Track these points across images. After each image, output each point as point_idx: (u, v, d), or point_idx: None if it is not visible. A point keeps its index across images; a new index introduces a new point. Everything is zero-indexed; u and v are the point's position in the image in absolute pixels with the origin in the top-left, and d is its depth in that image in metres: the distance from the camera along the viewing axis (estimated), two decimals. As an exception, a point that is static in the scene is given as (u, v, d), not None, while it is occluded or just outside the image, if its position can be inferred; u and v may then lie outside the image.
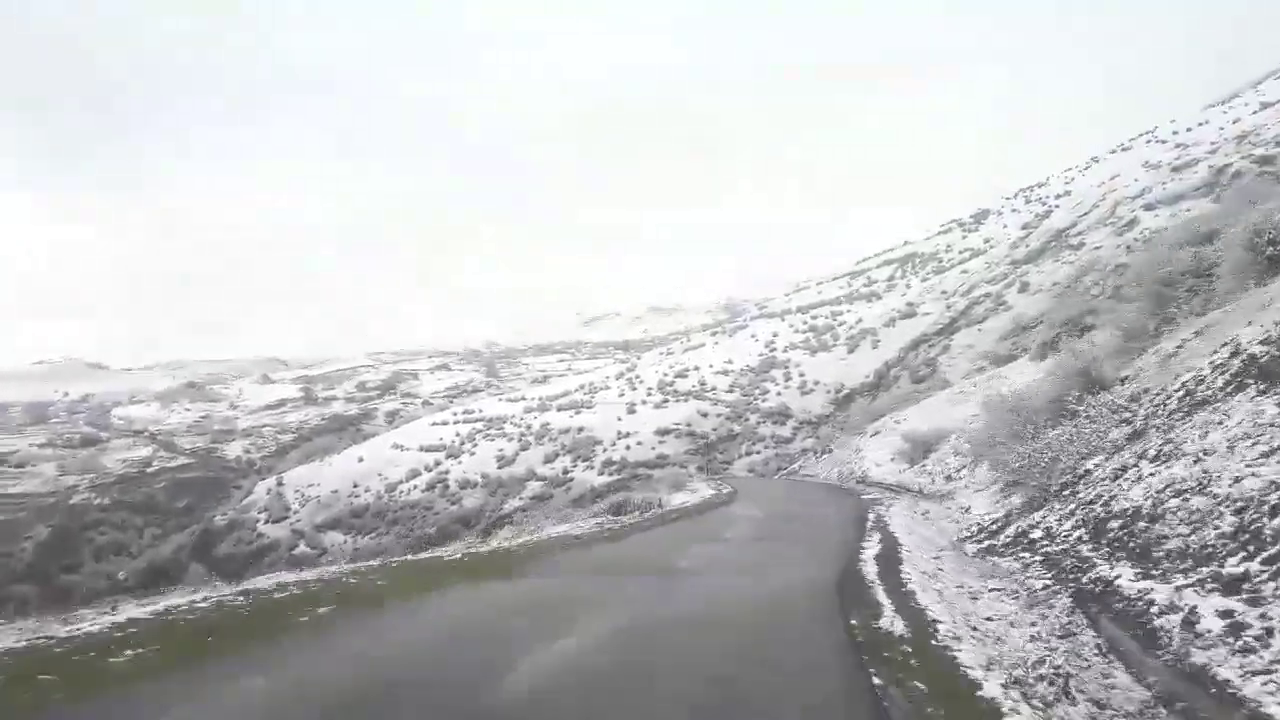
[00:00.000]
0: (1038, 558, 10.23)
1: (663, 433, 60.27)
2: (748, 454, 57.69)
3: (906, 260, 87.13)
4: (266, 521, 66.79)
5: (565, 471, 57.81)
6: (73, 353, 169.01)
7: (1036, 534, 11.06)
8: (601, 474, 56.51)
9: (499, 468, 61.23)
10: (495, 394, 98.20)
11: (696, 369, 71.75)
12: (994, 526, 13.63)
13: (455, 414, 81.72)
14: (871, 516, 17.33)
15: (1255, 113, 75.57)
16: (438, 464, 65.80)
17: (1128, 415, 12.99)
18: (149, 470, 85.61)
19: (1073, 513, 10.54)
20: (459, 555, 16.09)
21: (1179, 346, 15.02)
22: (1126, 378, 16.33)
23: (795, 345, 71.30)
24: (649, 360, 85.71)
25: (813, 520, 18.15)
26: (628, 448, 59.03)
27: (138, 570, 67.13)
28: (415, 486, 63.47)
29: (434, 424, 79.62)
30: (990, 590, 9.39)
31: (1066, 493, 11.72)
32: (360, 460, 73.10)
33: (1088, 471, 11.73)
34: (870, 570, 10.55)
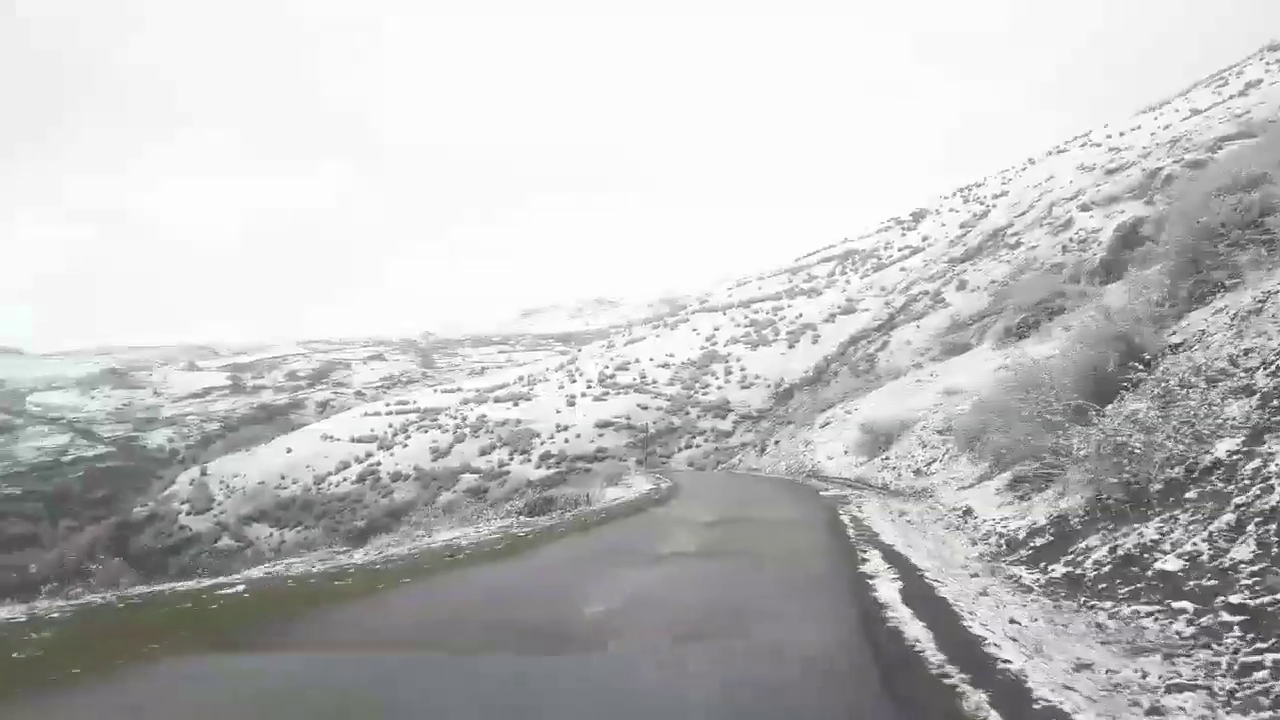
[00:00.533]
0: (1212, 610, 5.64)
1: (602, 425, 59.47)
2: (687, 447, 57.18)
3: (846, 257, 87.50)
4: (189, 513, 64.39)
5: (501, 465, 56.68)
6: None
7: (1168, 563, 6.57)
8: (539, 467, 55.51)
9: (433, 460, 59.80)
10: (431, 385, 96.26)
11: (637, 361, 71.06)
12: (1033, 541, 9.59)
13: (388, 405, 79.83)
14: (846, 519, 13.98)
15: (1185, 119, 77.10)
16: (369, 455, 64.11)
17: (1242, 381, 8.98)
18: (65, 459, 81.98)
19: (1236, 525, 6.38)
20: (239, 589, 9.93)
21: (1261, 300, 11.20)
22: (1180, 344, 12.33)
23: (736, 339, 71.02)
24: (589, 353, 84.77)
25: (774, 525, 14.44)
26: (566, 440, 58.11)
27: (50, 563, 64.03)
28: (345, 479, 61.74)
29: (366, 415, 77.67)
30: (1169, 687, 4.79)
31: (1189, 495, 7.51)
32: (289, 451, 70.96)
33: (1219, 462, 7.64)
34: (915, 630, 5.98)
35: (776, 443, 45.40)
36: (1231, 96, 74.85)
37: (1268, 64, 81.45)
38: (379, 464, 62.04)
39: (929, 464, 21.22)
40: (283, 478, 65.33)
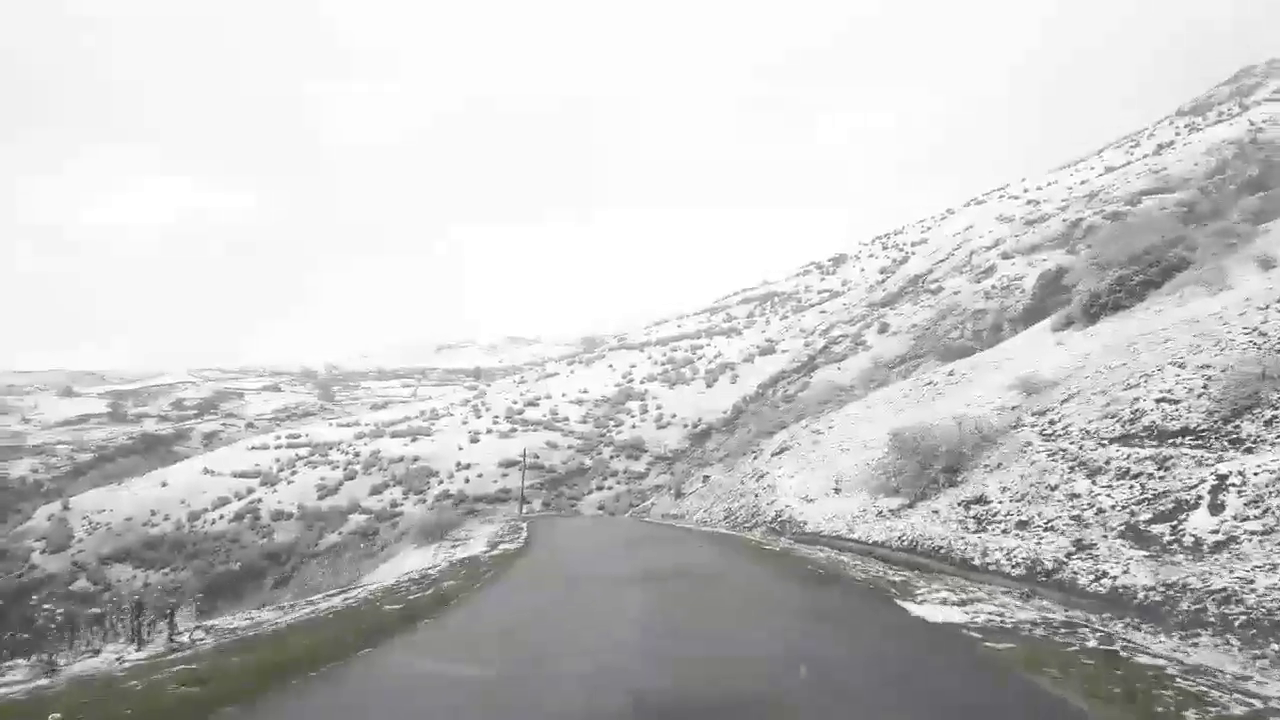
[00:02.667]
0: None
1: (507, 464, 55.58)
2: (599, 489, 53.77)
3: (766, 299, 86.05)
4: (44, 552, 57.76)
5: (394, 504, 52.26)
6: None
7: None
8: (433, 508, 51.23)
9: (319, 498, 54.99)
10: (329, 419, 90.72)
11: (549, 397, 67.53)
12: None
13: (278, 438, 74.34)
14: None
15: (1100, 175, 78.42)
16: (250, 492, 58.80)
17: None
18: (-95, 490, 73.87)
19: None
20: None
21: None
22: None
23: (654, 377, 68.22)
24: (500, 388, 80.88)
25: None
26: (467, 480, 54.05)
27: (-128, 608, 56.51)
28: (222, 516, 56.33)
29: (252, 448, 72.06)
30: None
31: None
32: (164, 485, 64.98)
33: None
34: None
35: (705, 478, 38.60)
36: (1145, 155, 76.32)
37: (1177, 128, 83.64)
38: (260, 501, 56.82)
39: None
40: (153, 514, 59.43)
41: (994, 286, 57.25)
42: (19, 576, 55.07)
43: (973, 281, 59.78)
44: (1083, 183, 76.90)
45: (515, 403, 67.40)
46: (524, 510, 45.58)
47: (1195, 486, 9.77)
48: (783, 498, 22.10)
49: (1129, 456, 11.81)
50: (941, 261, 70.41)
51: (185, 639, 10.40)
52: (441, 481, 54.35)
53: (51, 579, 53.92)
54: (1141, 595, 8.23)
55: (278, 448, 69.87)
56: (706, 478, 37.47)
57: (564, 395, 67.81)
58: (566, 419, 62.72)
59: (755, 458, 32.20)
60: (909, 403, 25.58)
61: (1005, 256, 61.53)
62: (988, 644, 6.76)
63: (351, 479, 57.15)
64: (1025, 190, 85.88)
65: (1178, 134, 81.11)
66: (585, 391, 67.69)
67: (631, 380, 68.48)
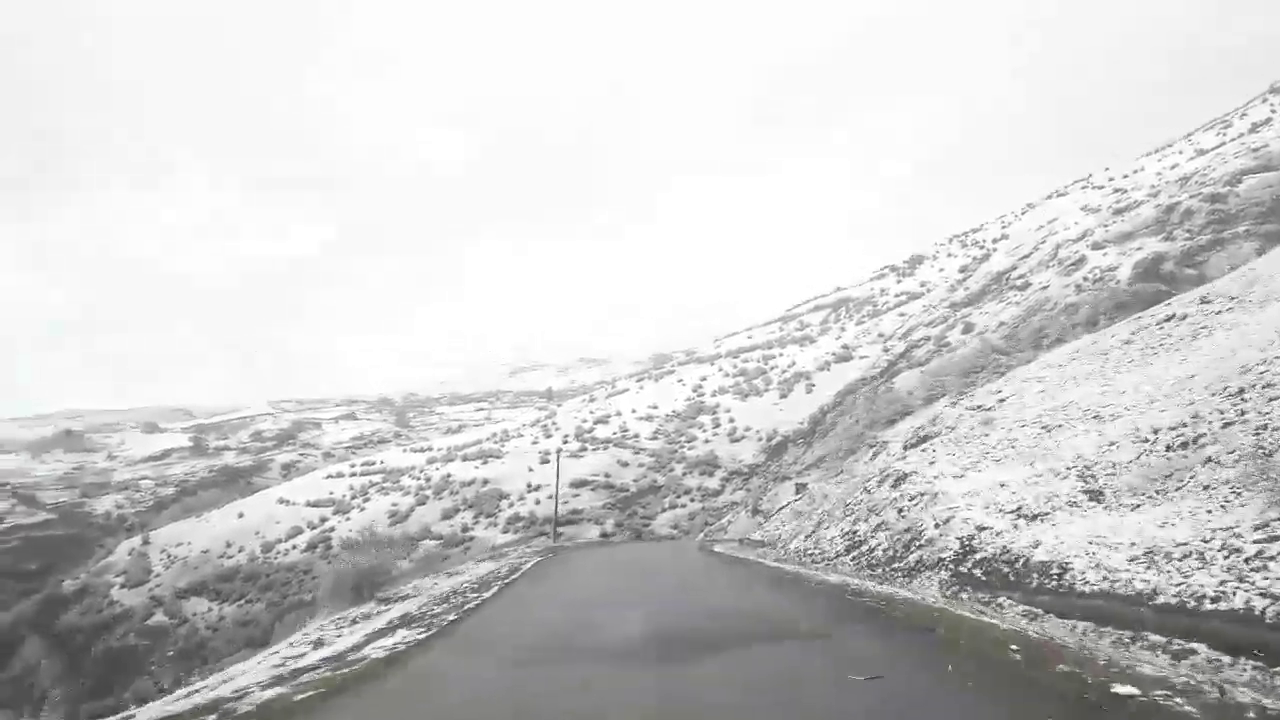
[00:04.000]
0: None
1: (578, 484, 53.98)
2: (671, 508, 51.71)
3: (839, 305, 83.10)
4: (123, 586, 58.24)
5: (465, 529, 51.04)
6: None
7: None
8: (506, 531, 49.95)
9: (390, 525, 54.02)
10: (403, 445, 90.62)
11: (618, 414, 65.82)
12: None
13: (353, 466, 74.20)
14: None
15: (1192, 159, 73.78)
16: (323, 521, 58.32)
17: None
18: (0, 528, 75.70)
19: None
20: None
21: None
22: None
23: (725, 390, 65.96)
24: (570, 407, 79.54)
25: None
26: (537, 501, 52.56)
27: (-35, 646, 57.52)
28: (295, 546, 55.87)
29: (328, 476, 72.01)
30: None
31: None
32: (240, 516, 65.16)
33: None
34: None
35: (800, 488, 33.90)
36: (1240, 135, 71.67)
37: (1273, 106, 78.51)
38: (332, 530, 56.24)
39: None
40: (228, 546, 59.43)
41: (1085, 279, 53.62)
42: (99, 612, 55.48)
43: (1062, 275, 56.19)
44: (1173, 167, 72.53)
45: (585, 421, 65.88)
46: (556, 537, 43.18)
47: None
48: (963, 512, 13.01)
49: None
50: (1025, 257, 66.78)
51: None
52: (512, 504, 52.98)
53: (130, 614, 54.18)
54: None
55: (352, 475, 69.63)
56: (802, 487, 31.28)
57: (633, 412, 66.04)
58: (637, 436, 60.91)
59: (876, 454, 26.47)
60: (1148, 348, 17.63)
61: (1096, 247, 57.77)
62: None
63: (422, 504, 56.20)
64: (1110, 179, 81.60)
65: (1274, 111, 76.03)
66: (655, 407, 65.81)
67: (702, 394, 66.37)
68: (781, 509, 28.77)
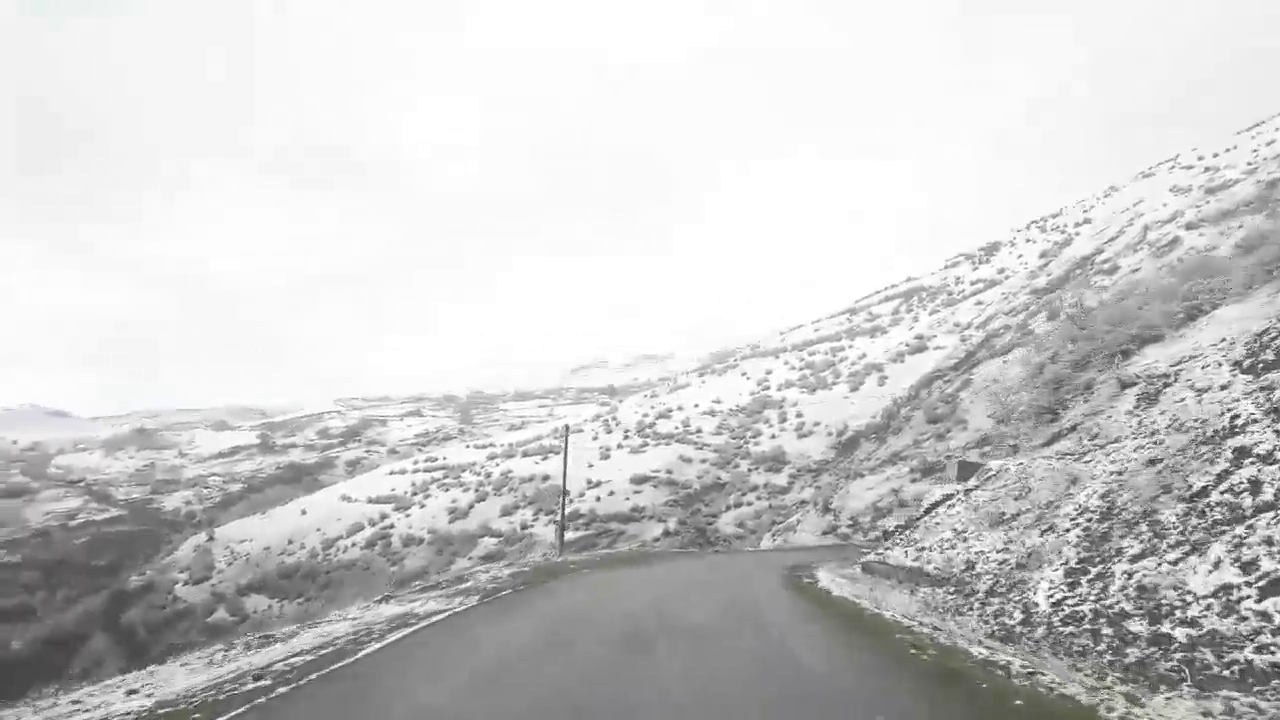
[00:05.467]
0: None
1: (639, 481, 52.24)
2: (736, 506, 49.64)
3: (911, 294, 79.87)
4: (186, 583, 58.35)
5: (524, 526, 49.74)
6: (39, 400, 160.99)
7: None
8: (566, 528, 48.39)
9: (450, 522, 53.07)
10: (467, 441, 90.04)
11: (680, 409, 63.91)
12: None
13: (416, 462, 73.72)
14: None
15: (1292, 134, 69.04)
16: (384, 518, 57.59)
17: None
18: (73, 524, 76.97)
19: None
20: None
21: None
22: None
23: (791, 383, 63.56)
24: (631, 403, 77.89)
25: None
26: (598, 498, 50.96)
27: (36, 639, 58.24)
28: (355, 544, 55.23)
29: (391, 473, 71.61)
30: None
31: None
32: (303, 513, 65.01)
33: None
34: None
35: (988, 476, 26.28)
36: (1346, 106, 66.73)
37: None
38: (392, 526, 55.50)
39: None
40: (290, 543, 59.19)
41: (1179, 260, 50.06)
42: (162, 609, 55.56)
43: (1154, 257, 52.60)
44: (1269, 143, 68.03)
45: (646, 416, 64.13)
46: (562, 548, 32.95)
47: None
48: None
49: None
50: (1112, 240, 63.08)
51: None
52: (572, 500, 51.47)
53: (192, 611, 54.14)
54: None
55: (415, 472, 69.03)
56: (989, 473, 19.22)
57: (696, 406, 64.07)
58: (699, 431, 58.93)
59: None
60: None
61: (1190, 227, 54.00)
62: None
63: (482, 500, 55.09)
64: (1200, 158, 77.15)
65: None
66: (718, 402, 63.74)
67: (768, 388, 64.05)
68: (938, 507, 20.67)
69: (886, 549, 19.62)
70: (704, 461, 54.25)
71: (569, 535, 46.79)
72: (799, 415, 57.18)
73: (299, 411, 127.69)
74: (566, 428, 34.56)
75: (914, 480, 42.45)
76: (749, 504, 49.29)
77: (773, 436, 55.66)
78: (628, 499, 50.18)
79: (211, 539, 64.02)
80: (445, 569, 49.34)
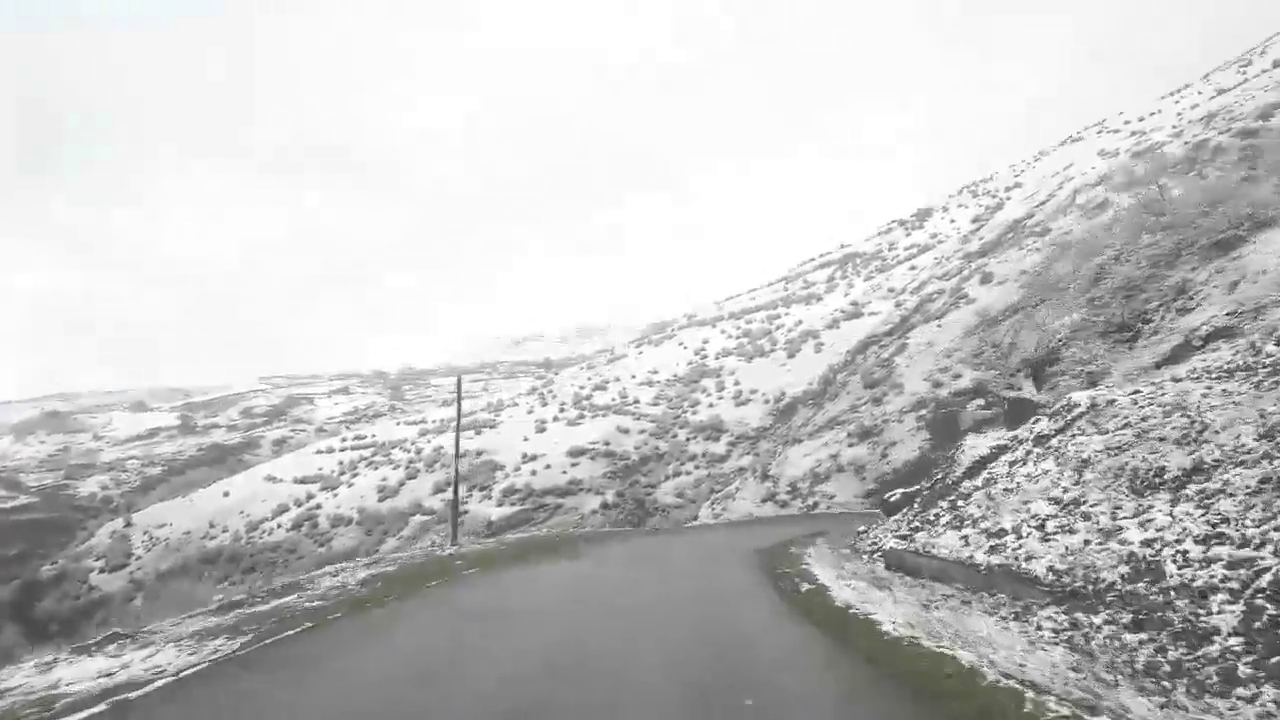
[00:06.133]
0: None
1: (576, 453, 51.07)
2: (675, 475, 48.86)
3: (846, 261, 79.80)
4: (103, 570, 55.63)
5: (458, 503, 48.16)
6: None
7: None
8: (501, 504, 47.13)
9: (379, 500, 51.32)
10: (398, 418, 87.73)
11: (617, 380, 62.83)
12: None
13: (344, 440, 71.36)
14: None
15: (1213, 98, 70.28)
16: (310, 498, 55.52)
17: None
18: (-22, 513, 72.97)
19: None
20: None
21: None
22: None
23: (729, 352, 62.91)
24: (567, 375, 76.55)
25: None
26: (534, 472, 49.68)
27: (-61, 635, 54.99)
28: (280, 525, 53.13)
29: (318, 452, 69.20)
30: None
31: None
32: (225, 495, 62.39)
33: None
34: None
35: (1032, 452, 22.70)
36: (1264, 70, 68.07)
37: (1295, 40, 74.95)
38: (319, 507, 53.49)
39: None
40: (211, 526, 56.74)
41: (1112, 221, 50.47)
42: (77, 598, 52.90)
43: (1085, 218, 53.01)
44: (1193, 107, 69.11)
45: (582, 388, 62.91)
46: (456, 535, 28.84)
47: None
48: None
49: None
50: (1042, 204, 63.58)
51: None
52: (507, 475, 50.12)
53: (109, 599, 51.59)
54: None
55: (343, 450, 66.81)
56: (1075, 410, 15.11)
57: (633, 377, 63.05)
58: (637, 401, 57.96)
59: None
60: None
61: (1120, 189, 54.52)
62: None
63: (414, 478, 53.39)
64: (1126, 122, 78.28)
65: (1298, 46, 72.30)
66: (655, 372, 62.80)
67: (705, 357, 63.33)
68: (991, 465, 15.79)
69: (916, 529, 14.36)
70: (642, 432, 53.33)
71: (502, 511, 45.56)
72: (736, 383, 56.59)
73: (222, 391, 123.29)
74: (459, 380, 31.52)
75: (851, 445, 42.14)
76: (688, 473, 48.55)
77: (710, 405, 54.96)
78: (564, 472, 49.01)
79: (129, 524, 61.12)
80: (375, 549, 47.73)
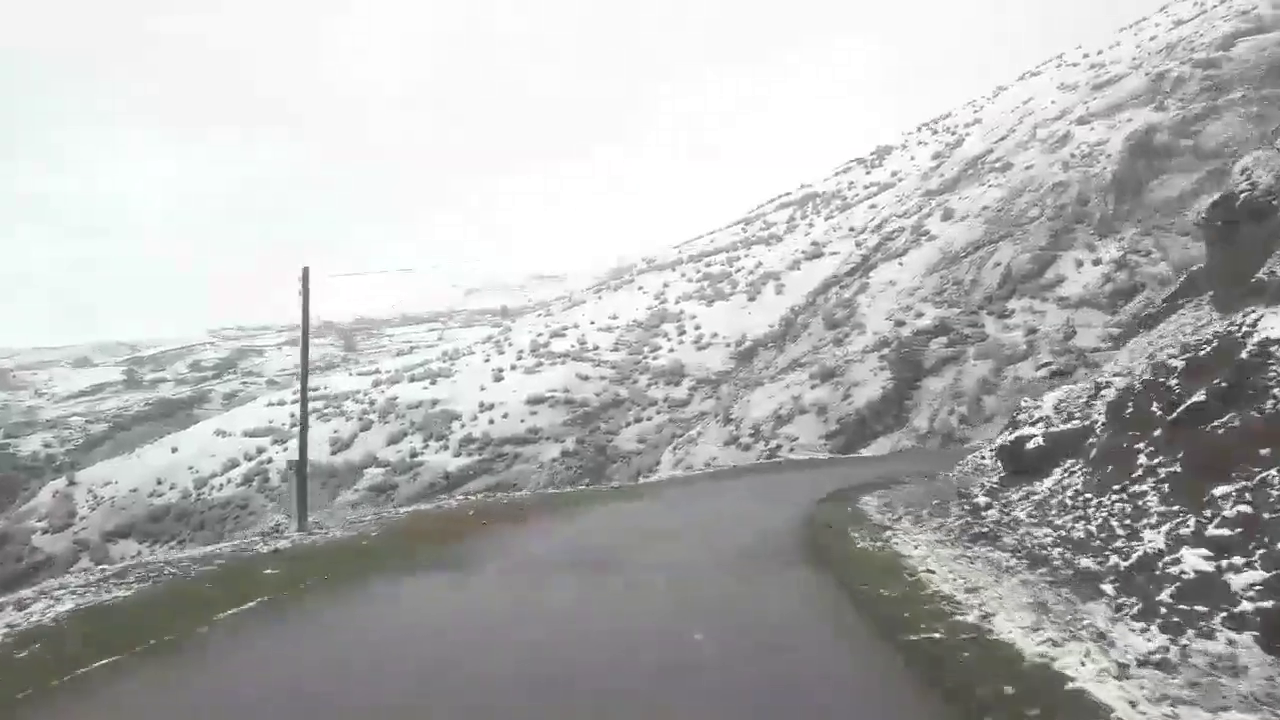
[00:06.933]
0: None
1: (535, 401, 50.00)
2: (636, 421, 48.09)
3: (805, 201, 78.75)
4: (46, 532, 53.76)
5: (414, 454, 47.09)
6: None
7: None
8: (459, 454, 46.11)
9: (333, 453, 49.98)
10: (351, 369, 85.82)
11: (576, 327, 61.58)
12: None
13: (295, 392, 69.42)
14: None
15: (1171, 30, 69.62)
16: (261, 451, 54.01)
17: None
18: (-87, 475, 70.32)
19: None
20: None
21: None
22: None
23: (689, 295, 61.90)
24: (525, 323, 75.12)
25: None
26: (491, 421, 48.59)
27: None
28: (230, 480, 51.71)
29: (269, 405, 67.33)
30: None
31: None
32: (174, 451, 60.56)
33: None
34: None
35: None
36: (1221, 1, 67.47)
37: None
38: (270, 460, 52.03)
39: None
40: (159, 483, 55.01)
41: (1073, 155, 49.88)
42: (19, 561, 51.11)
43: (1046, 153, 52.37)
44: (1152, 39, 68.46)
45: (540, 335, 61.61)
46: (303, 518, 19.04)
47: None
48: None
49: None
50: (1002, 139, 62.77)
51: None
52: (464, 425, 48.97)
53: (52, 561, 49.83)
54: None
55: (295, 402, 64.84)
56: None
57: (592, 323, 61.83)
58: (596, 348, 56.85)
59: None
60: None
61: (1081, 122, 53.88)
62: None
63: (367, 429, 52.03)
64: (1085, 56, 77.50)
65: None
66: (615, 317, 61.62)
67: (665, 301, 62.24)
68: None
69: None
70: (602, 379, 52.34)
71: (459, 461, 44.50)
72: (697, 327, 55.68)
73: (170, 345, 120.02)
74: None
75: (814, 386, 41.48)
76: (649, 419, 47.77)
77: (671, 350, 54.07)
78: (523, 420, 47.98)
79: (73, 484, 59.10)
80: (329, 503, 46.50)
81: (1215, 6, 65.62)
